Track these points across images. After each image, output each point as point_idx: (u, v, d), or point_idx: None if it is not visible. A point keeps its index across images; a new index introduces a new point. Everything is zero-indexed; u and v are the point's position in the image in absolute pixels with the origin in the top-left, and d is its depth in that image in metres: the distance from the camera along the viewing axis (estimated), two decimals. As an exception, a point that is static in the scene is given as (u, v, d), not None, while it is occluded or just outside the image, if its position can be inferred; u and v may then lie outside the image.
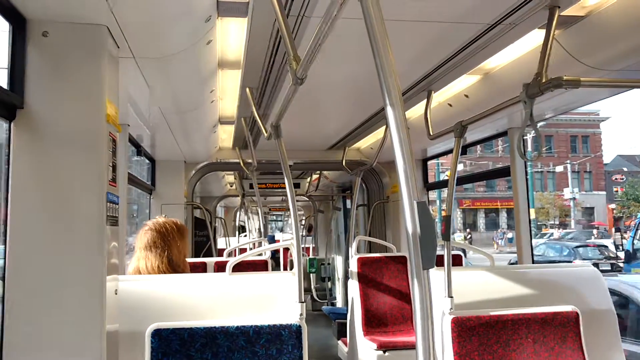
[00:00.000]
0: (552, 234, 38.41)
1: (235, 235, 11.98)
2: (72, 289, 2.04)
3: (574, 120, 44.65)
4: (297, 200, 11.57)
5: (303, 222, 13.32)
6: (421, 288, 1.13)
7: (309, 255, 12.20)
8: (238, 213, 12.25)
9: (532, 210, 37.52)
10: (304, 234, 13.33)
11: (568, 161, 43.69)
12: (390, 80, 1.16)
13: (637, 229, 15.63)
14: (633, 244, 15.29)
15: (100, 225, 2.06)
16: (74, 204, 2.06)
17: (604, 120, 48.64)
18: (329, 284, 11.24)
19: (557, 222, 44.24)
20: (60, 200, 2.05)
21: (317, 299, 10.88)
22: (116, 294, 2.26)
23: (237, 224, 11.80)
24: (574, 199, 42.53)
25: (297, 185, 9.77)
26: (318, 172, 8.70)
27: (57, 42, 2.08)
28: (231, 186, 10.16)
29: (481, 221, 46.38)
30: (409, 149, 1.14)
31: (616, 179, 46.91)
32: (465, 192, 44.84)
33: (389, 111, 1.15)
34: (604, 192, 46.90)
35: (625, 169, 47.87)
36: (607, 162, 48.89)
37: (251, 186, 9.32)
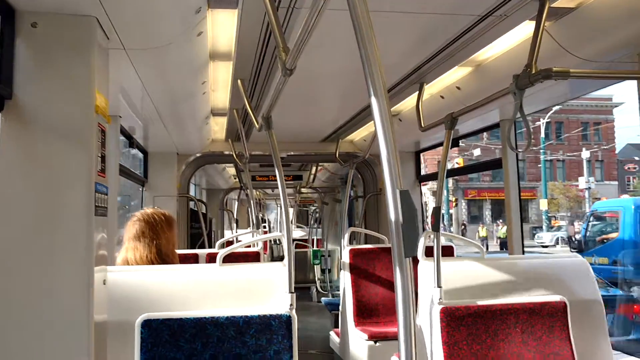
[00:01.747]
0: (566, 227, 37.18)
1: (247, 227, 11.98)
2: (59, 280, 2.04)
3: (585, 106, 42.46)
4: (303, 192, 11.62)
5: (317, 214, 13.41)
6: (403, 276, 1.15)
7: (318, 247, 12.26)
8: (235, 205, 12.27)
9: (544, 201, 36.33)
10: (314, 225, 13.42)
11: (584, 148, 41.09)
12: (375, 71, 1.17)
13: (589, 221, 15.88)
14: (585, 234, 15.53)
15: (88, 216, 2.07)
16: (61, 194, 2.06)
17: (617, 106, 46.33)
18: (332, 275, 11.28)
19: (567, 214, 42.64)
20: (48, 190, 2.06)
21: (321, 291, 10.93)
22: (104, 284, 2.27)
23: (234, 216, 11.81)
24: (589, 188, 40.07)
25: (298, 177, 9.80)
26: (318, 164, 8.74)
27: (46, 33, 2.07)
28: (235, 179, 10.17)
29: (487, 212, 44.47)
30: (392, 139, 1.16)
31: (629, 168, 45.38)
32: (471, 182, 43.21)
33: (373, 102, 1.17)
34: (616, 182, 45.12)
35: (636, 158, 46.16)
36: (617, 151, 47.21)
37: (253, 178, 9.36)
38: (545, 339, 2.94)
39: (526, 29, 2.82)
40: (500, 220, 37.78)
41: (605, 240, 14.72)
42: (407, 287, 1.13)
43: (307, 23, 1.60)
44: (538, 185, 37.01)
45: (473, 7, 2.52)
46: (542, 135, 33.21)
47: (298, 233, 14.34)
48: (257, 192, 13.63)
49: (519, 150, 3.54)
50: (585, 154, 40.52)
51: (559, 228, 38.18)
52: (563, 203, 43.26)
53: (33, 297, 2.02)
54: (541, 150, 35.48)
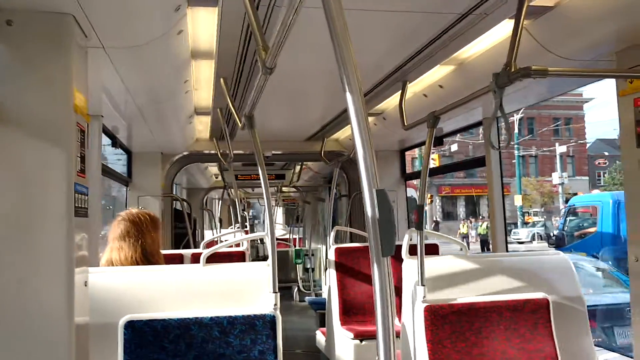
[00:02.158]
0: (544, 223, 36.82)
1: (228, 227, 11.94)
2: (38, 281, 2.01)
3: (557, 102, 42.18)
4: (285, 192, 11.59)
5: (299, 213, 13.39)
6: (381, 275, 1.15)
7: (298, 246, 12.24)
8: (219, 204, 12.22)
9: (518, 197, 36.20)
10: (293, 224, 13.39)
11: (557, 144, 41.50)
12: (350, 71, 1.17)
13: (566, 215, 15.92)
14: (563, 229, 15.54)
15: (67, 217, 2.04)
16: (40, 195, 2.03)
17: (587, 102, 46.66)
18: (315, 274, 11.28)
19: (541, 210, 42.62)
20: (25, 191, 2.03)
21: (303, 290, 10.92)
22: (86, 285, 2.25)
23: (217, 215, 11.77)
24: (562, 184, 40.18)
25: (281, 176, 9.77)
26: (302, 163, 8.71)
27: (22, 31, 2.04)
28: (216, 178, 10.12)
29: (461, 209, 44.62)
30: (368, 137, 1.16)
31: (599, 163, 45.51)
32: (444, 179, 43.12)
33: (349, 101, 1.16)
34: (587, 178, 45.16)
35: (606, 153, 46.34)
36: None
37: (236, 177, 9.32)
38: (529, 336, 2.96)
39: (507, 27, 2.83)
40: (481, 217, 37.69)
41: (583, 236, 14.73)
42: (386, 286, 1.13)
43: (285, 21, 1.59)
44: (511, 182, 36.91)
45: (454, 5, 2.53)
46: (516, 131, 33.29)
47: (279, 232, 14.32)
48: (240, 191, 13.61)
49: (500, 148, 3.56)
50: (562, 148, 40.60)
51: (534, 224, 38.14)
52: (536, 199, 43.18)
53: (11, 298, 1.99)
54: (515, 146, 35.66)
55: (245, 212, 12.82)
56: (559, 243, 15.12)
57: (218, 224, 11.34)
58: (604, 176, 45.10)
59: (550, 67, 2.26)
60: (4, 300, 1.99)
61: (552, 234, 17.52)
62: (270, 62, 1.88)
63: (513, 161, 37.31)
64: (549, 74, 2.21)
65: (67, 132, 2.07)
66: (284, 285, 11.45)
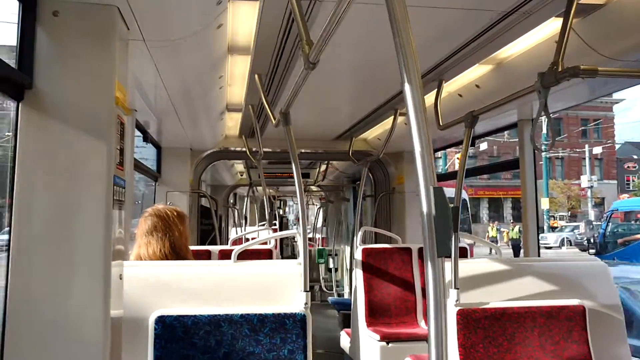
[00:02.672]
0: (573, 228, 35.52)
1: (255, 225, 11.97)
2: (77, 273, 2.02)
3: (584, 102, 41.77)
4: (309, 190, 11.60)
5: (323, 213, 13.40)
6: (435, 275, 1.11)
7: (322, 246, 12.22)
8: (246, 202, 12.26)
9: (545, 200, 35.22)
10: (319, 224, 13.39)
11: (587, 145, 40.42)
12: (410, 62, 1.13)
13: (608, 221, 15.27)
14: (605, 235, 14.90)
15: (107, 209, 2.04)
16: (81, 186, 2.04)
17: (617, 103, 45.46)
18: (338, 274, 11.25)
19: (567, 214, 41.53)
20: (67, 182, 2.03)
21: (325, 290, 10.91)
22: (121, 279, 2.25)
23: (244, 212, 11.79)
24: (592, 187, 38.91)
25: (306, 175, 9.77)
26: (326, 162, 8.69)
27: (67, 22, 2.05)
28: (242, 175, 10.16)
29: (484, 212, 43.48)
30: (426, 133, 1.12)
31: (628, 167, 44.53)
32: (468, 180, 42.41)
33: (408, 94, 1.13)
34: (615, 182, 44.08)
35: (635, 157, 45.29)
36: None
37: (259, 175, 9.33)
38: (563, 344, 2.89)
39: (548, 27, 2.77)
40: (511, 220, 36.67)
41: (627, 243, 14.18)
42: (440, 287, 1.09)
43: (335, 15, 1.56)
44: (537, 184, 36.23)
45: (496, 4, 2.47)
46: (544, 131, 32.68)
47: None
48: (271, 190, 13.64)
49: (543, 150, 3.49)
50: (597, 149, 39.31)
51: (562, 228, 37.22)
52: (563, 202, 42.10)
53: (49, 289, 2.00)
54: (543, 147, 35.01)
55: (280, 210, 12.84)
56: (599, 250, 14.46)
57: (243, 222, 11.35)
58: (633, 180, 44.06)
59: (596, 66, 2.20)
60: (41, 291, 1.99)
61: (589, 239, 16.75)
62: (314, 57, 1.86)
63: (540, 163, 36.43)
64: (599, 74, 2.15)
65: (109, 124, 2.07)
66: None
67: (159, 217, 3.14)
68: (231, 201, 12.00)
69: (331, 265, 10.79)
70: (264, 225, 6.84)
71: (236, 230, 9.17)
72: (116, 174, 2.12)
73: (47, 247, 2.00)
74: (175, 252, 3.11)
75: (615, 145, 45.19)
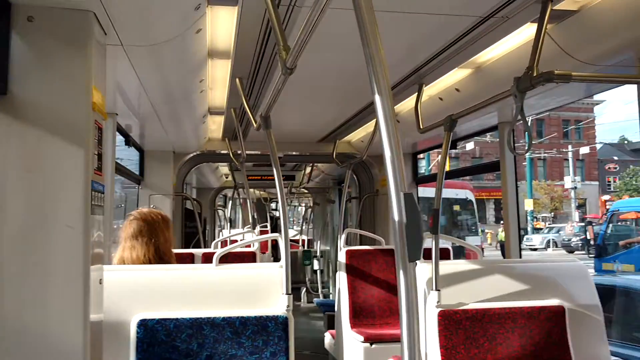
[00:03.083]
0: (559, 229, 35.36)
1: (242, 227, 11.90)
2: (54, 279, 2.00)
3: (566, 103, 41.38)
4: (295, 192, 11.61)
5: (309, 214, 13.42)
6: (407, 280, 1.13)
7: (308, 248, 12.24)
8: (230, 204, 12.24)
9: (529, 201, 34.51)
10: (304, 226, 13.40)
11: (570, 146, 40.42)
12: (380, 71, 1.14)
13: (608, 222, 14.79)
14: (604, 237, 14.41)
15: (85, 214, 2.03)
16: (57, 192, 2.03)
17: (598, 104, 45.48)
18: (324, 276, 11.27)
19: (550, 215, 41.30)
20: (43, 188, 2.02)
21: (312, 291, 10.91)
22: (101, 283, 2.24)
23: (228, 215, 11.76)
24: (575, 188, 38.79)
25: (291, 177, 9.78)
26: (311, 164, 8.71)
27: (42, 28, 2.03)
28: (227, 178, 10.15)
29: (490, 213, 42.34)
30: (397, 140, 1.14)
31: (609, 168, 44.56)
32: (474, 181, 41.85)
33: (378, 102, 1.14)
34: (597, 183, 44.05)
35: (615, 158, 45.48)
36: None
37: (247, 177, 9.32)
38: (543, 344, 2.93)
39: (526, 31, 2.80)
40: (502, 222, 36.13)
41: (629, 245, 13.54)
42: (411, 292, 1.11)
43: (309, 21, 1.57)
44: (519, 185, 35.85)
45: (474, 8, 2.50)
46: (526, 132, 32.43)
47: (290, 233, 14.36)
48: (262, 192, 13.61)
49: (519, 152, 3.53)
50: (585, 149, 39.14)
51: (549, 230, 37.21)
52: (545, 203, 41.92)
53: (27, 295, 1.99)
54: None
55: (276, 212, 12.78)
56: (600, 253, 13.83)
57: (228, 224, 11.33)
58: (614, 181, 44.19)
59: (570, 71, 2.24)
60: (19, 296, 1.98)
61: (587, 241, 16.21)
62: (291, 63, 1.87)
63: (524, 164, 36.47)
64: (573, 79, 2.18)
65: (86, 130, 2.06)
66: (294, 287, 11.46)
67: (144, 221, 3.13)
68: (219, 204, 11.96)
69: (316, 267, 10.80)
70: (249, 228, 6.83)
71: (221, 233, 9.15)
72: (94, 179, 2.11)
73: (22, 254, 1.99)
74: (160, 256, 3.11)
75: (596, 147, 45.28)
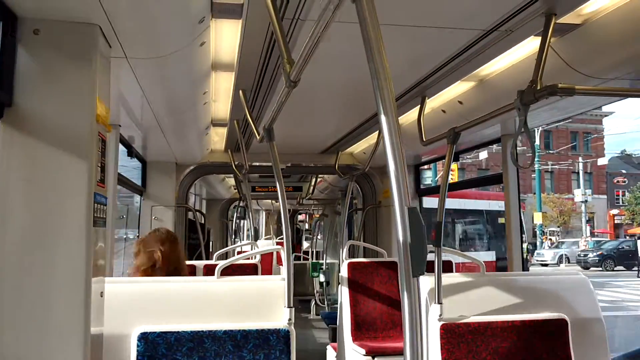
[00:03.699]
0: (572, 243, 34.39)
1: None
2: (56, 291, 2.00)
3: (574, 115, 40.08)
4: (304, 204, 11.63)
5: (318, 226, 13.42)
6: (410, 295, 1.12)
7: (317, 259, 12.21)
8: (235, 215, 12.24)
9: (539, 215, 33.57)
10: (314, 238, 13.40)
11: (580, 159, 40.02)
12: (385, 86, 1.15)
13: None
14: None
15: (87, 226, 2.03)
16: (60, 204, 2.03)
17: (607, 116, 44.67)
18: (331, 288, 11.22)
19: (558, 229, 40.34)
20: (46, 200, 2.02)
21: (320, 304, 10.86)
22: (102, 296, 2.23)
23: (233, 227, 11.74)
24: (586, 201, 37.99)
25: (298, 189, 9.79)
26: (319, 176, 8.71)
27: (48, 40, 2.05)
28: (235, 189, 10.15)
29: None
30: (401, 155, 1.13)
31: (618, 181, 44.05)
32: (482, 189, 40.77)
33: (382, 117, 1.14)
34: (605, 196, 43.39)
35: (624, 171, 44.92)
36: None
37: (253, 189, 9.31)
38: (546, 357, 2.91)
39: (530, 45, 2.81)
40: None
41: None
42: (415, 307, 1.10)
43: (314, 35, 1.58)
44: (526, 198, 35.25)
45: (478, 22, 2.51)
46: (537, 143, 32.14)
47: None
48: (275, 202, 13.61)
49: (522, 166, 3.53)
50: (603, 160, 38.08)
51: (559, 244, 36.27)
52: (554, 217, 41.17)
53: (29, 307, 1.98)
54: (535, 160, 34.59)
55: (305, 224, 12.76)
56: None
57: (233, 237, 11.29)
58: (623, 195, 43.70)
59: (574, 84, 2.24)
60: (22, 307, 1.98)
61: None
62: (295, 76, 1.88)
63: (532, 176, 35.90)
64: (576, 92, 2.19)
65: (90, 142, 2.06)
66: (303, 299, 11.43)
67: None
68: (239, 215, 11.97)
69: (322, 279, 10.76)
70: (256, 240, 6.80)
71: (231, 245, 9.12)
72: (97, 191, 2.11)
73: (24, 266, 1.99)
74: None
75: (604, 159, 44.42)
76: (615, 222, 42.59)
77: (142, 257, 3.23)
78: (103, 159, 2.21)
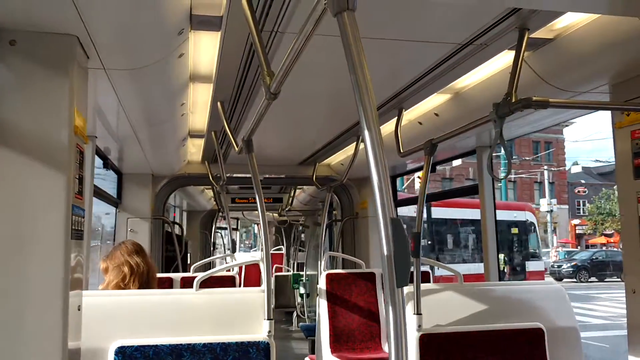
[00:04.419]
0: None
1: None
2: (33, 305, 1.96)
3: None
4: (285, 215, 11.59)
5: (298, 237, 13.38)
6: (395, 306, 1.12)
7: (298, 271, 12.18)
8: (213, 228, 12.14)
9: None
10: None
11: (545, 167, 40.01)
12: (367, 99, 1.16)
13: None
14: None
15: (65, 239, 2.00)
16: (37, 216, 2.00)
17: (567, 126, 44.45)
18: (313, 299, 11.18)
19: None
20: (24, 212, 1.99)
21: (301, 316, 10.80)
22: (79, 310, 2.20)
23: (212, 239, 11.63)
24: (551, 211, 37.80)
25: (279, 200, 9.75)
26: (298, 187, 8.71)
27: (25, 51, 2.02)
28: (214, 201, 10.09)
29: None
30: (384, 166, 1.14)
31: (579, 192, 44.38)
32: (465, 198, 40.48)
33: (365, 129, 1.15)
34: (567, 206, 43.59)
35: (583, 181, 45.32)
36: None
37: (233, 200, 9.25)
38: None
39: (504, 58, 2.87)
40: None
41: None
42: (400, 318, 1.11)
43: (295, 48, 1.59)
44: None
45: (454, 36, 2.55)
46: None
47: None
48: (274, 214, 13.56)
49: (499, 177, 3.58)
50: (577, 168, 37.92)
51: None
52: None
53: (5, 321, 1.94)
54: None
55: (303, 235, 12.72)
56: None
57: (212, 248, 11.19)
58: (584, 205, 44.27)
59: (548, 97, 2.29)
60: None
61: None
62: (275, 88, 1.88)
63: (497, 185, 36.08)
64: (550, 105, 2.24)
65: (67, 154, 2.04)
66: (286, 311, 11.36)
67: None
68: (233, 227, 11.84)
69: (302, 291, 10.71)
70: (233, 252, 6.74)
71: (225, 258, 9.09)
72: (75, 203, 2.08)
73: (3, 278, 1.95)
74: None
75: (565, 169, 45.25)
76: (577, 232, 42.78)
77: (111, 273, 3.18)
78: (80, 170, 2.18)
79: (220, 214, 9.20)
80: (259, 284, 6.16)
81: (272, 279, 8.60)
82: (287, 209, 10.02)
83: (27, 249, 1.98)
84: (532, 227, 19.27)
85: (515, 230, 18.93)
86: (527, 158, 41.01)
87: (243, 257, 14.66)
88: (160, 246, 6.34)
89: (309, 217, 11.92)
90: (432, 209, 16.71)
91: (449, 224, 18.47)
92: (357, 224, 6.77)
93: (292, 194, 9.39)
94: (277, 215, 11.50)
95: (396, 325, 1.11)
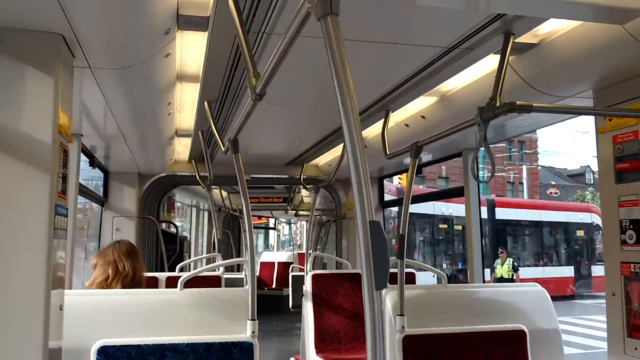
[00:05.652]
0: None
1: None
2: (13, 304, 1.95)
3: None
4: (298, 215, 11.65)
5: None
6: (372, 308, 1.13)
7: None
8: (208, 227, 12.11)
9: None
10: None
11: (524, 166, 39.70)
12: (349, 102, 1.16)
13: None
14: None
15: (47, 238, 1.99)
16: (20, 214, 1.98)
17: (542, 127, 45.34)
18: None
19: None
20: (6, 210, 1.98)
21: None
22: (61, 309, 2.19)
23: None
24: None
25: (285, 200, 9.79)
26: (297, 187, 8.73)
27: (10, 49, 2.01)
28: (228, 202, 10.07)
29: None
30: (365, 170, 1.15)
31: (551, 193, 43.95)
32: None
33: (346, 132, 1.16)
34: None
35: (553, 182, 45.18)
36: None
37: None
38: None
39: (490, 62, 2.89)
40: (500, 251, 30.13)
41: None
42: (377, 319, 1.12)
43: (280, 50, 1.60)
44: None
45: (439, 39, 2.57)
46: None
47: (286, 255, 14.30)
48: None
49: (483, 180, 3.62)
50: (523, 174, 37.85)
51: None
52: None
53: None
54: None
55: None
56: None
57: (192, 249, 11.15)
58: None
59: (531, 102, 2.32)
60: None
61: None
62: (260, 89, 1.89)
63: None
64: (533, 109, 2.26)
65: (51, 152, 2.03)
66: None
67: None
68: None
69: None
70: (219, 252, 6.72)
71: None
72: (58, 202, 2.07)
73: None
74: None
75: (538, 170, 44.89)
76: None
77: (98, 270, 3.19)
78: (65, 169, 2.17)
79: (234, 213, 9.17)
80: (271, 283, 6.15)
81: (289, 279, 8.66)
82: (292, 208, 10.01)
83: (8, 247, 1.96)
84: (599, 230, 18.83)
85: (580, 233, 18.47)
86: (500, 155, 40.78)
87: (266, 256, 14.61)
88: (153, 246, 6.32)
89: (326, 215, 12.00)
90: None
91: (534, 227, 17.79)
92: (344, 224, 6.79)
93: (302, 194, 9.41)
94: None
95: (374, 327, 1.12)
